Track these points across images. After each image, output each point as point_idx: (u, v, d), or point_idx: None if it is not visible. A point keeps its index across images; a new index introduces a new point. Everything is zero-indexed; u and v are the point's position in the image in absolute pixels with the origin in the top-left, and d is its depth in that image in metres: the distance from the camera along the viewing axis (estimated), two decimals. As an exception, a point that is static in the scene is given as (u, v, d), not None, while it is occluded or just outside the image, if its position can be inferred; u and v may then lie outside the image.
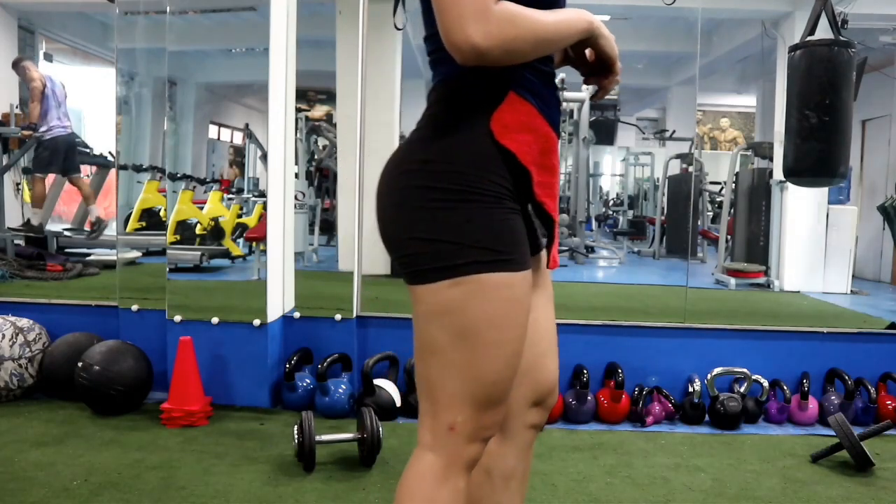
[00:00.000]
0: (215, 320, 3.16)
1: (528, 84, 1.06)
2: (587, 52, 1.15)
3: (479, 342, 1.02)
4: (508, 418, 1.23)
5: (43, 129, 5.60)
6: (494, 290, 1.01)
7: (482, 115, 1.02)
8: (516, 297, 1.03)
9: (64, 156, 5.76)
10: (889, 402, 3.23)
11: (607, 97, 1.24)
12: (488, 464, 1.24)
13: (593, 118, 8.32)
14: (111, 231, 6.10)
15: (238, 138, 10.35)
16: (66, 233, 6.37)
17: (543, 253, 1.22)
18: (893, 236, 6.26)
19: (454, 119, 1.03)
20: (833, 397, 3.25)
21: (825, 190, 5.89)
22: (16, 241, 5.72)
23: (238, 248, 5.53)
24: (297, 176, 5.93)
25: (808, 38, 3.37)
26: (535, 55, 1.00)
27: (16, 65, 5.87)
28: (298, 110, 5.44)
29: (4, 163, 6.02)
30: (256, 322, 3.13)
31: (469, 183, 1.00)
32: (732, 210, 6.92)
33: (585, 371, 3.19)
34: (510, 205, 1.03)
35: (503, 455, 1.25)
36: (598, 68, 1.17)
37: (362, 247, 3.66)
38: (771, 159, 6.47)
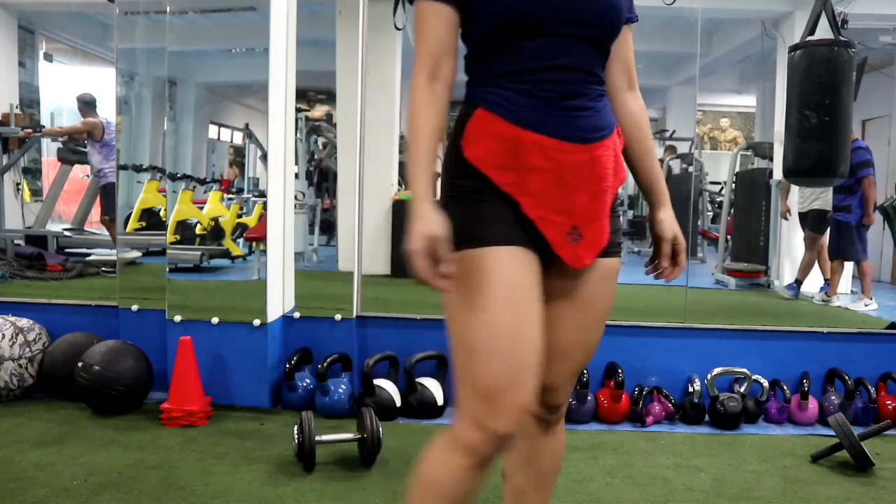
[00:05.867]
0: (215, 320, 3.16)
1: (496, 98, 1.22)
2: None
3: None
4: None
5: (109, 170, 5.61)
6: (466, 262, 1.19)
7: (458, 133, 1.24)
8: (486, 268, 1.18)
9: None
10: (889, 402, 3.23)
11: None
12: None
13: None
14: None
15: (238, 138, 10.34)
16: (66, 233, 6.37)
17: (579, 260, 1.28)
18: (893, 236, 6.26)
19: (450, 137, 1.27)
20: (833, 397, 3.25)
21: (824, 190, 5.88)
22: (16, 241, 5.72)
23: (238, 248, 5.52)
24: (297, 176, 5.92)
25: (808, 38, 3.38)
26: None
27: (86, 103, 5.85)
28: (298, 110, 5.44)
29: (4, 163, 6.03)
30: (256, 322, 3.13)
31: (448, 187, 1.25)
32: (732, 210, 6.91)
33: (585, 371, 3.19)
34: (476, 198, 1.21)
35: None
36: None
37: (362, 247, 3.66)
38: (771, 159, 6.46)
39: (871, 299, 5.18)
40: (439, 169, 1.23)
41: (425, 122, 1.18)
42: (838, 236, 5.25)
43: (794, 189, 5.63)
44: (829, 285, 5.28)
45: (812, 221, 5.42)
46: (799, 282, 5.47)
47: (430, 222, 1.11)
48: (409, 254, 1.10)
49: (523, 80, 1.20)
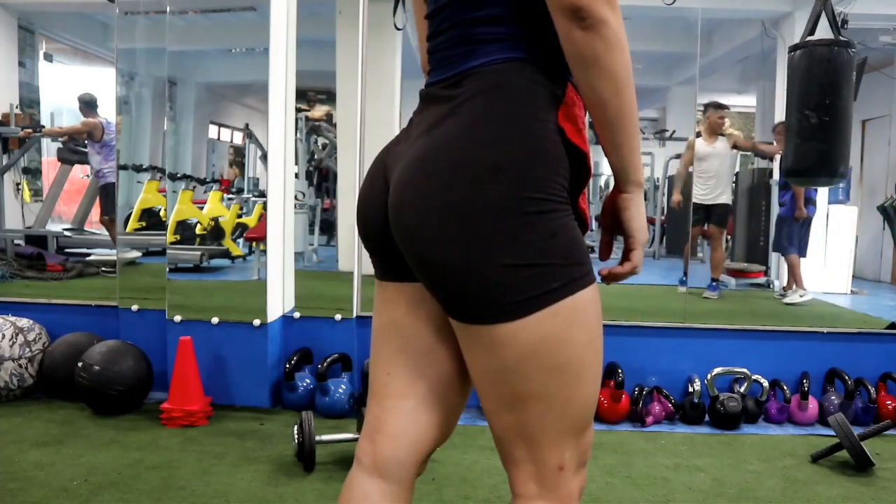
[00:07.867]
0: (215, 320, 3.16)
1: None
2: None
3: (581, 369, 0.92)
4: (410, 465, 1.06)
5: (108, 170, 5.62)
6: (589, 307, 0.91)
7: (550, 111, 0.89)
8: (600, 308, 0.94)
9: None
10: (889, 402, 3.23)
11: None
12: None
13: (592, 119, 8.31)
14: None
15: (238, 138, 10.34)
16: (66, 233, 6.37)
17: None
18: (893, 236, 6.27)
19: (520, 114, 0.88)
20: (833, 397, 3.25)
21: (825, 190, 5.89)
22: (16, 241, 5.72)
23: (238, 248, 5.52)
24: (297, 176, 5.92)
25: (808, 38, 3.37)
26: (607, 85, 0.85)
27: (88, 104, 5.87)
28: (298, 110, 5.44)
29: (4, 163, 6.03)
30: (256, 322, 3.13)
31: (547, 190, 0.86)
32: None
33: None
34: (570, 210, 0.91)
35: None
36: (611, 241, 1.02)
37: (362, 247, 3.66)
38: (771, 159, 6.47)
39: (805, 290, 5.21)
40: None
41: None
42: (777, 231, 5.33)
43: (705, 180, 5.58)
44: (796, 281, 5.27)
45: (717, 215, 5.43)
46: (716, 280, 5.46)
47: None
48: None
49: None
